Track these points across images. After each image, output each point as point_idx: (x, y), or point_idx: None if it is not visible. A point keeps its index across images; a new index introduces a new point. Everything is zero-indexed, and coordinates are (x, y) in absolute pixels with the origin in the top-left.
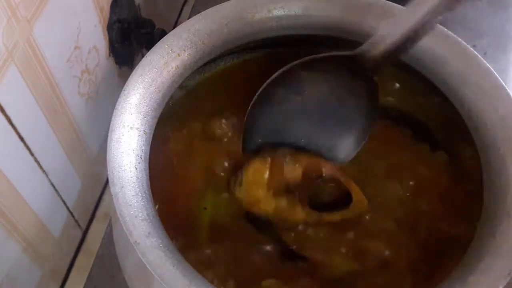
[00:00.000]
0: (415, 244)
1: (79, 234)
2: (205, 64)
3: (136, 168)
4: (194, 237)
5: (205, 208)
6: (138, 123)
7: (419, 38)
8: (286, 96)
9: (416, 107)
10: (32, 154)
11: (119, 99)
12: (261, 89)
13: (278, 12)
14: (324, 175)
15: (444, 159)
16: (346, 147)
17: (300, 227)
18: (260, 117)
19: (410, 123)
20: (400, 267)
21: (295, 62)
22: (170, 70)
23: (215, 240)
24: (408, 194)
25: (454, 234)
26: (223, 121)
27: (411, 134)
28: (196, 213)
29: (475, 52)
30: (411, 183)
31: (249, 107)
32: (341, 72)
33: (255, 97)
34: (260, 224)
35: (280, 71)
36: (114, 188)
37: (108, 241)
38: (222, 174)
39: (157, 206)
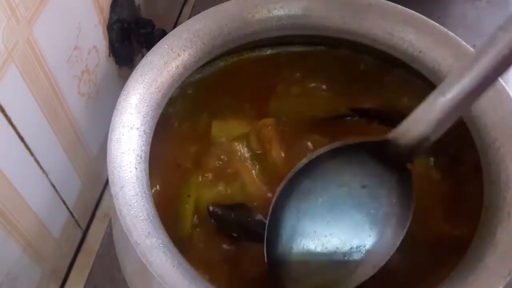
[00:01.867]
0: (416, 244)
1: (79, 234)
2: (205, 64)
3: (136, 168)
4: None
5: (188, 196)
6: (138, 123)
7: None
8: (313, 192)
9: (416, 107)
10: (32, 154)
11: (119, 99)
12: (284, 183)
13: (278, 12)
14: None
15: (444, 159)
16: (384, 243)
17: None
18: (286, 216)
19: None
20: (401, 268)
21: (321, 151)
22: (170, 70)
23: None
24: None
25: (454, 234)
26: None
27: None
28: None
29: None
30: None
31: (273, 203)
32: (370, 161)
33: (279, 192)
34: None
35: (305, 161)
36: (114, 188)
37: (108, 241)
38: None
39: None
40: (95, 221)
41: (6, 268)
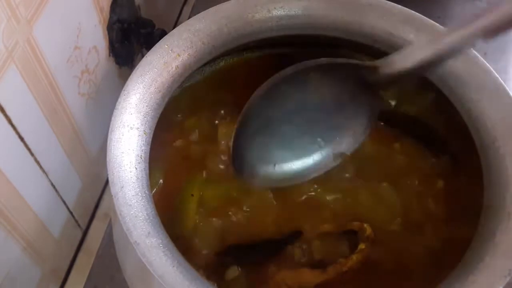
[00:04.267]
0: (416, 244)
1: (79, 234)
2: (205, 64)
3: (136, 168)
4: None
5: (192, 195)
6: (138, 123)
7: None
8: (291, 93)
9: (415, 108)
10: (32, 154)
11: (119, 99)
12: (267, 82)
13: (278, 12)
14: None
15: (444, 159)
16: (347, 139)
17: None
18: (261, 110)
19: (409, 124)
20: (401, 268)
21: (311, 63)
22: (170, 70)
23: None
24: (408, 195)
25: (454, 234)
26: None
27: (411, 134)
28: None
29: (475, 52)
30: (411, 184)
31: (254, 96)
32: (350, 79)
33: (263, 87)
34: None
35: (293, 67)
36: (114, 188)
37: (108, 241)
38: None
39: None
40: (95, 221)
41: (6, 268)
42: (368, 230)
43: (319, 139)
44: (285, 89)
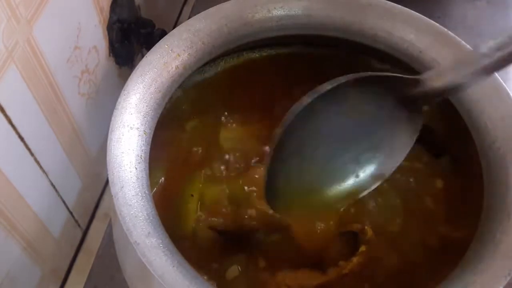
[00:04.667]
0: (416, 245)
1: (79, 234)
2: (205, 64)
3: (136, 168)
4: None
5: (192, 195)
6: (138, 123)
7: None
8: (327, 112)
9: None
10: (32, 154)
11: (119, 99)
12: (301, 101)
13: (278, 12)
14: None
15: (444, 159)
16: (387, 160)
17: None
18: (296, 133)
19: None
20: (401, 267)
21: (349, 77)
22: (170, 70)
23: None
24: (408, 196)
25: (454, 234)
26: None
27: None
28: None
29: None
30: (411, 184)
31: (287, 118)
32: (390, 94)
33: (297, 106)
34: None
35: (329, 83)
36: (114, 188)
37: (108, 241)
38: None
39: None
40: (95, 221)
41: (6, 268)
42: (369, 232)
43: (357, 163)
44: (321, 108)
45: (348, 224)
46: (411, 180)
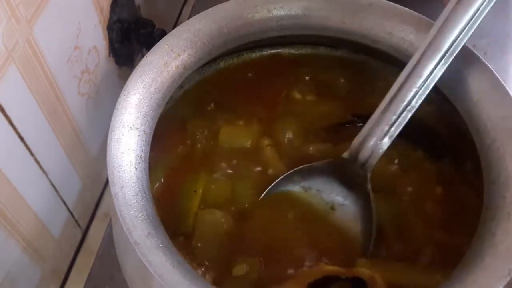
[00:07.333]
0: (416, 244)
1: (79, 234)
2: (205, 64)
3: (136, 168)
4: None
5: (195, 191)
6: (138, 123)
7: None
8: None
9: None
10: (32, 154)
11: (119, 99)
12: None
13: (278, 12)
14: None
15: (444, 159)
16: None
17: None
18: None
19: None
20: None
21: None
22: (170, 70)
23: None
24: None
25: (454, 234)
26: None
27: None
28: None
29: (475, 52)
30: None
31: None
32: (336, 183)
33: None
34: None
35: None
36: (114, 188)
37: (108, 241)
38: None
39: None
40: (95, 221)
41: (6, 268)
42: (379, 281)
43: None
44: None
45: (355, 269)
46: (411, 180)
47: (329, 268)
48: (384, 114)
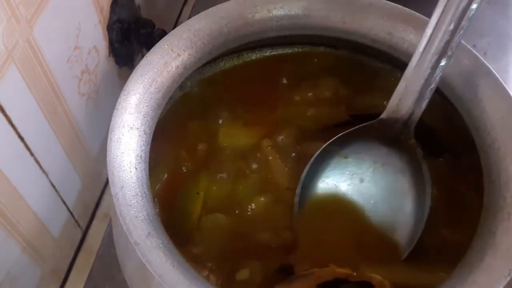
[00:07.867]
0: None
1: (79, 234)
2: (205, 64)
3: (136, 168)
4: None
5: (197, 193)
6: (138, 123)
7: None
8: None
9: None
10: (32, 154)
11: (119, 99)
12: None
13: (278, 12)
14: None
15: (444, 159)
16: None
17: None
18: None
19: None
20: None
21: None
22: (170, 70)
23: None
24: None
25: (454, 234)
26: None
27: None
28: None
29: (475, 52)
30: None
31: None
32: (377, 144)
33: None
34: None
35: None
36: (114, 188)
37: (108, 241)
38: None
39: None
40: (95, 221)
41: (6, 268)
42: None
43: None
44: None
45: (365, 274)
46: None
47: (339, 271)
48: (419, 68)
